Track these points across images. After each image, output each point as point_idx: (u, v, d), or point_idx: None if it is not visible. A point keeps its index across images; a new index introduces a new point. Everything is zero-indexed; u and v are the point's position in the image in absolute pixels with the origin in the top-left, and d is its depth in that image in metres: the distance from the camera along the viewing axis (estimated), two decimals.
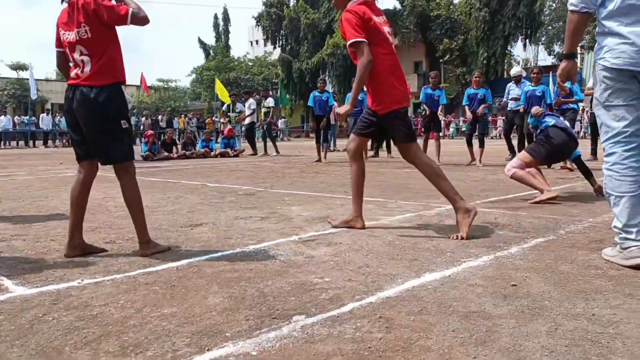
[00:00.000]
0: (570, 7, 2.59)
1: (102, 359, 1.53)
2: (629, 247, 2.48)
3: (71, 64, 2.73)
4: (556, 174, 7.23)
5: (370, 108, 3.38)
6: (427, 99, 9.29)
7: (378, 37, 3.22)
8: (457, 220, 3.18)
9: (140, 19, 2.64)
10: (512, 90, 9.02)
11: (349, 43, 3.18)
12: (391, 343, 1.62)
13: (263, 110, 14.11)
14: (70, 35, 2.66)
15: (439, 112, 9.52)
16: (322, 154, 10.62)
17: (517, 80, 9.11)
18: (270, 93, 14.66)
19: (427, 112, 9.41)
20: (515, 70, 9.76)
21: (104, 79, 2.64)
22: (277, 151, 13.55)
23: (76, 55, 2.67)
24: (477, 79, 9.02)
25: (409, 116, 3.44)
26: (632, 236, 2.47)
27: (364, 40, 3.14)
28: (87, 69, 2.64)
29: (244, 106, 13.79)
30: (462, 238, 3.06)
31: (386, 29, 3.33)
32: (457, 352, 1.56)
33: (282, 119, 37.52)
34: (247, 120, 13.41)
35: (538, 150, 4.76)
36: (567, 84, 7.70)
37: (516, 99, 8.74)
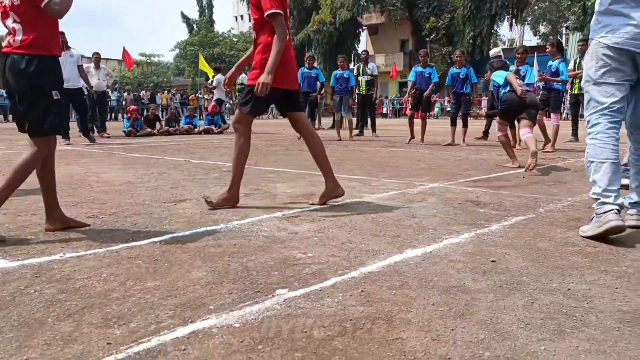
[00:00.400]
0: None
1: (85, 329, 1.54)
2: (605, 212, 2.55)
3: (6, 32, 2.64)
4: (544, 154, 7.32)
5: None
6: (417, 77, 9.22)
7: (285, 15, 3.23)
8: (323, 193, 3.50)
9: (53, 10, 2.51)
10: None
11: (269, 13, 3.12)
12: (372, 316, 1.66)
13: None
14: (5, 0, 2.56)
15: (429, 90, 9.37)
16: None
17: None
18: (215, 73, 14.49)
19: (413, 91, 9.37)
20: (494, 51, 9.86)
21: (34, 49, 2.54)
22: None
23: (8, 22, 2.56)
24: (459, 58, 9.01)
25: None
26: (610, 200, 2.57)
27: (280, 12, 3.14)
28: (19, 37, 2.53)
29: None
30: (313, 204, 3.43)
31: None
32: (436, 324, 1.60)
33: None
34: (215, 95, 13.38)
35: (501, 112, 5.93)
36: (555, 63, 7.77)
37: None
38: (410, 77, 9.39)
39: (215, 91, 13.51)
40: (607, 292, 1.89)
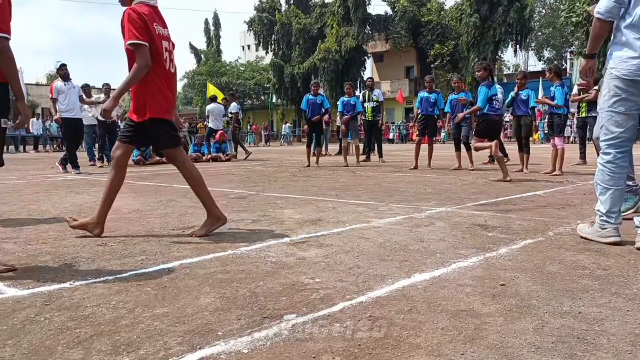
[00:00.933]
0: (597, 15, 2.90)
1: (95, 357, 1.54)
2: (607, 228, 2.99)
3: None
4: (547, 176, 7.30)
5: (130, 119, 3.37)
6: (422, 102, 9.28)
7: (154, 48, 3.19)
8: (204, 222, 3.43)
9: None
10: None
11: (129, 43, 3.12)
12: (381, 341, 1.65)
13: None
14: None
15: (436, 115, 9.40)
16: (315, 157, 10.62)
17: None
18: (230, 99, 14.78)
19: (417, 116, 9.45)
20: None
21: None
22: (246, 152, 14.24)
23: None
24: (457, 84, 9.14)
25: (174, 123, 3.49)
26: (612, 220, 2.98)
27: (144, 43, 3.11)
28: None
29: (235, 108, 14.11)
30: (195, 235, 3.32)
31: (165, 43, 3.33)
32: (445, 349, 1.58)
33: (287, 124, 37.66)
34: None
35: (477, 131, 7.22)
36: (553, 88, 7.82)
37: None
38: (417, 103, 9.46)
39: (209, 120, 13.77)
40: (618, 314, 1.87)
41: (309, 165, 10.10)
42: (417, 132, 9.57)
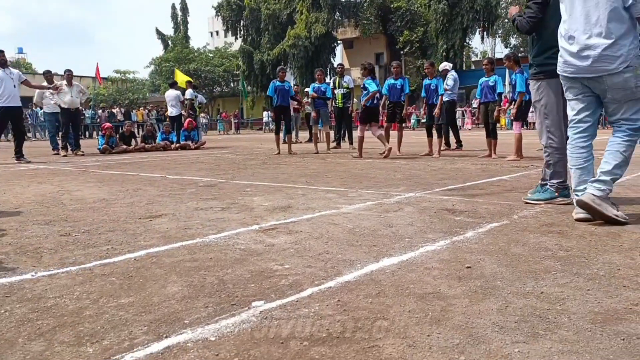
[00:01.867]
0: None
1: (57, 348, 1.51)
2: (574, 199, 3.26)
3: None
4: (509, 163, 7.45)
5: None
6: (389, 89, 9.29)
7: None
8: None
9: None
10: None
11: None
12: (349, 325, 1.66)
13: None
14: None
15: (402, 101, 9.37)
16: (286, 145, 10.56)
17: (443, 74, 9.89)
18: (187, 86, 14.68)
19: (387, 103, 9.46)
20: (441, 65, 10.40)
21: None
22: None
23: None
24: (428, 69, 9.17)
25: None
26: (579, 194, 3.20)
27: None
28: None
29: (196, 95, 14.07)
30: None
31: None
32: (412, 331, 1.60)
33: (266, 112, 36.69)
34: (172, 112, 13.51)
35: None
36: (514, 75, 7.96)
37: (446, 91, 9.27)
38: (384, 89, 9.41)
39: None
40: (579, 294, 1.92)
41: (278, 153, 10.03)
42: (386, 119, 9.58)
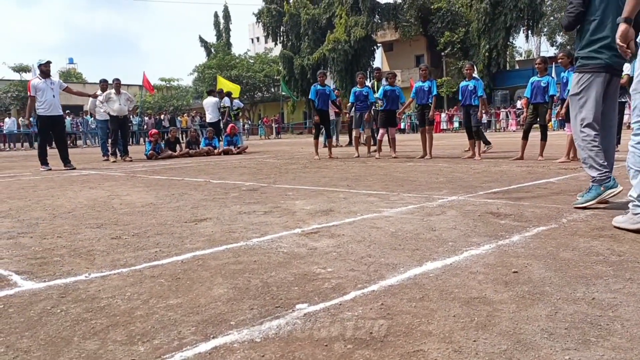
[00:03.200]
0: None
1: (110, 347, 1.57)
2: (639, 214, 2.85)
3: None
4: (558, 165, 7.23)
5: None
6: (417, 91, 9.23)
7: None
8: None
9: None
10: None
11: None
12: (393, 329, 1.65)
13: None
14: None
15: (430, 103, 9.27)
16: (327, 149, 10.59)
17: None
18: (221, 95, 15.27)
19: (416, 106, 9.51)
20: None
21: None
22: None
23: None
24: (468, 71, 8.96)
25: None
26: None
27: None
28: None
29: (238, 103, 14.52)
30: None
31: None
32: (458, 336, 1.58)
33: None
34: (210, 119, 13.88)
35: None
36: (566, 73, 7.68)
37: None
38: (412, 93, 9.40)
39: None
40: (632, 300, 1.85)
41: (318, 157, 10.04)
42: (418, 123, 9.59)
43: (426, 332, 1.62)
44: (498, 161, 8.13)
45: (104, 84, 11.63)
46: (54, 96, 9.22)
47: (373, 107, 11.23)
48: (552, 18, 43.74)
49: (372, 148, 11.21)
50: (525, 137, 8.27)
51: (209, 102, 13.85)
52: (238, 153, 13.01)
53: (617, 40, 3.02)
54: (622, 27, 2.98)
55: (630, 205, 2.93)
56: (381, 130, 9.86)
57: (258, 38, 61.87)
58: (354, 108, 10.95)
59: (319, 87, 9.98)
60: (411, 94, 9.49)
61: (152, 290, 2.11)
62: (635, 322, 1.65)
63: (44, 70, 9.26)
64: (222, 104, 14.17)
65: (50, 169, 9.21)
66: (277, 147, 16.86)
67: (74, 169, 9.29)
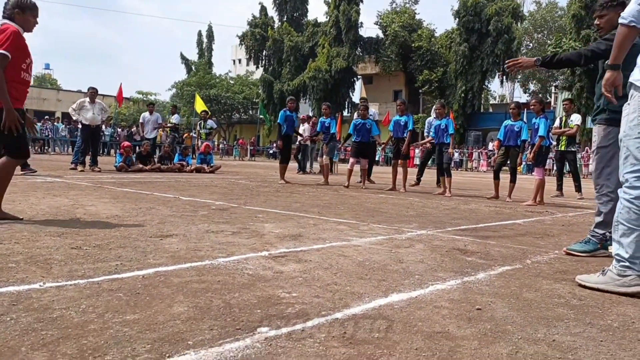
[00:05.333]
0: (623, 21, 2.69)
1: None
2: (630, 276, 2.59)
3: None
4: (524, 207, 7.38)
5: None
6: (394, 125, 9.39)
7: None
8: None
9: None
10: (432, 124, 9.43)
11: None
12: (354, 358, 1.62)
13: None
14: None
15: (405, 137, 9.39)
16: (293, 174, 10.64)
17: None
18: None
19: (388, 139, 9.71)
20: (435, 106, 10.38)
21: None
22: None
23: None
24: (439, 110, 9.15)
25: None
26: (636, 267, 2.59)
27: (7, 55, 3.73)
28: None
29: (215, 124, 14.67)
30: None
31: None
32: None
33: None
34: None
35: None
36: (537, 120, 7.91)
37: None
38: (390, 127, 9.58)
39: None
40: (592, 344, 1.87)
41: (283, 182, 9.83)
42: (392, 155, 9.78)
43: None
44: (467, 199, 8.25)
45: (92, 91, 11.39)
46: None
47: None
48: None
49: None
50: (496, 177, 8.50)
51: (149, 117, 14.22)
52: (211, 172, 12.88)
53: (602, 90, 2.92)
54: (607, 74, 2.87)
55: (615, 265, 2.66)
56: (351, 160, 10.08)
57: (240, 60, 62.15)
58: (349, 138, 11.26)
59: (288, 112, 10.06)
60: (389, 127, 9.64)
61: (109, 304, 2.04)
62: None
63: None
64: (171, 120, 14.63)
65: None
66: (251, 169, 16.78)
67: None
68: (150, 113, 14.32)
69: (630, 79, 2.70)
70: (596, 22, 3.77)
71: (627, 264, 2.60)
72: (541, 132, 7.70)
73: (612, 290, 2.61)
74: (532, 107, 8.04)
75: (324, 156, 10.99)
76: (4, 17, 3.94)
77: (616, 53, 2.80)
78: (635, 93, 2.66)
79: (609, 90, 2.88)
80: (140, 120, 14.63)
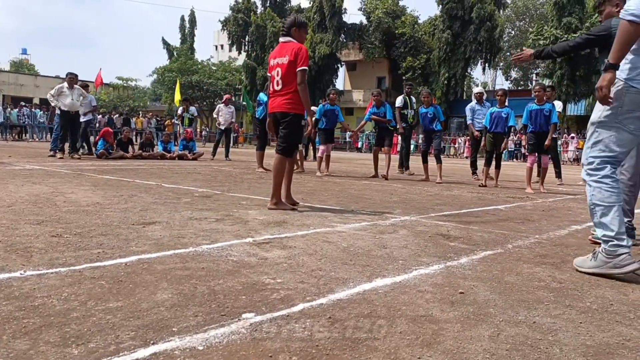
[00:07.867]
0: (630, 17, 2.45)
1: (42, 348, 1.48)
2: (621, 255, 2.57)
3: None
4: (508, 192, 7.47)
5: None
6: (372, 115, 9.38)
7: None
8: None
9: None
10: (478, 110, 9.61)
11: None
12: (339, 342, 1.64)
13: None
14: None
15: (391, 127, 9.40)
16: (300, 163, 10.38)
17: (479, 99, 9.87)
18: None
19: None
20: (477, 89, 10.29)
21: None
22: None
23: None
24: (426, 98, 9.15)
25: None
26: (624, 243, 2.58)
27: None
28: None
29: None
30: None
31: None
32: (403, 352, 1.58)
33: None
34: None
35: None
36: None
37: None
38: (366, 117, 9.48)
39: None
40: (571, 326, 1.91)
41: (263, 170, 9.62)
42: (375, 142, 9.76)
43: (372, 347, 1.61)
44: (451, 185, 8.32)
45: (71, 77, 11.09)
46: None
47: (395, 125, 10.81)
48: (508, 53, 45.53)
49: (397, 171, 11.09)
50: (488, 164, 8.50)
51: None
52: (193, 159, 12.78)
53: (598, 93, 2.65)
54: (608, 75, 2.59)
55: (604, 246, 2.63)
56: (321, 147, 9.75)
57: (222, 46, 61.43)
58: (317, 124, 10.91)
59: (328, 106, 9.61)
60: (365, 117, 9.59)
61: (92, 292, 2.02)
62: (573, 348, 1.70)
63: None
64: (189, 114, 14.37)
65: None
66: (234, 156, 16.68)
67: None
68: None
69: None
70: (599, 19, 3.71)
71: (615, 242, 2.58)
72: (554, 119, 7.75)
73: (606, 273, 2.60)
74: (548, 93, 8.14)
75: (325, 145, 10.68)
76: None
77: (619, 52, 2.54)
78: (619, 81, 2.64)
79: (605, 92, 2.62)
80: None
